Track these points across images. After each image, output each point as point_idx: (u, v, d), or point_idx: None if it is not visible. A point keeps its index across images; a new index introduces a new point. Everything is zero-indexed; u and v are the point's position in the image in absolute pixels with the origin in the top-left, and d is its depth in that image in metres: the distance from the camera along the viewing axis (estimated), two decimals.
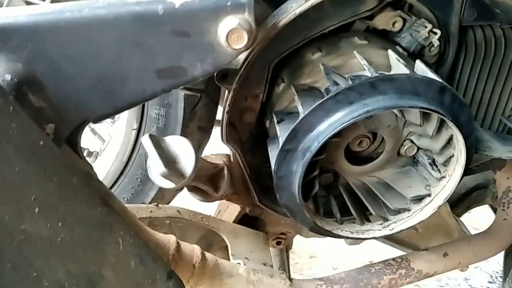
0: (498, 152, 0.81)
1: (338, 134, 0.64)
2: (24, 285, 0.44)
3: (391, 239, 1.03)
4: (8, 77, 0.52)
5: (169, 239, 0.64)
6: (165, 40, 0.54)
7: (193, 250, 0.67)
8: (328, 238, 1.05)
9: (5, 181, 0.43)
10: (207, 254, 0.69)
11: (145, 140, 0.57)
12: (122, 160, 0.97)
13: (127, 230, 0.52)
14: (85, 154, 1.12)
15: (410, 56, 0.77)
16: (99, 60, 0.55)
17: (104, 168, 0.99)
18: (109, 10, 0.52)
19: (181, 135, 0.88)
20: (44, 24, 0.52)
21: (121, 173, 0.98)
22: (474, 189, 1.19)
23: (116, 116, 0.97)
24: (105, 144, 1.03)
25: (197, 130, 0.90)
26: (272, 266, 0.80)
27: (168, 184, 0.57)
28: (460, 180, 0.72)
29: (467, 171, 0.93)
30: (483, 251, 0.92)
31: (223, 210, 0.91)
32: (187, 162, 0.58)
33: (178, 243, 0.64)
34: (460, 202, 1.19)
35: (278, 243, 0.95)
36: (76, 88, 0.55)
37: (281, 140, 0.65)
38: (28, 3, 1.09)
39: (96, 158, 1.09)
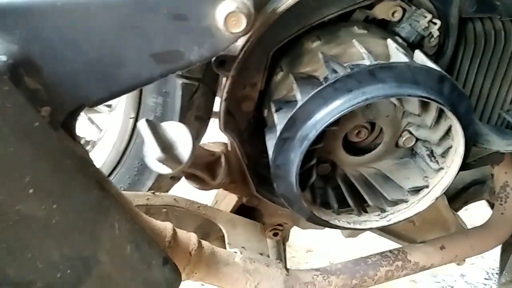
0: (497, 145, 0.81)
1: (336, 123, 0.64)
2: (19, 266, 0.43)
3: (389, 232, 1.03)
4: (3, 57, 0.51)
5: (166, 226, 0.64)
6: (162, 24, 0.53)
7: (189, 237, 0.66)
8: (325, 232, 1.04)
9: (0, 161, 0.42)
10: (204, 242, 0.68)
11: (142, 124, 0.56)
12: (119, 149, 0.96)
13: (123, 215, 0.52)
14: (82, 143, 1.11)
15: (410, 47, 0.77)
16: (96, 43, 0.54)
17: (101, 157, 0.99)
18: None
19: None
20: (41, 4, 0.51)
21: (118, 162, 0.97)
22: (472, 184, 1.19)
23: (113, 105, 0.97)
24: (102, 133, 1.02)
25: (194, 119, 0.89)
26: (268, 256, 0.79)
27: (165, 170, 0.57)
28: (458, 172, 0.72)
29: (465, 166, 0.93)
30: (480, 245, 0.92)
31: (220, 200, 0.91)
32: (183, 147, 0.57)
33: (174, 230, 0.64)
34: (457, 197, 1.19)
35: (275, 234, 0.95)
36: (72, 71, 0.55)
37: (279, 128, 0.64)
38: None
39: (93, 147, 1.08)
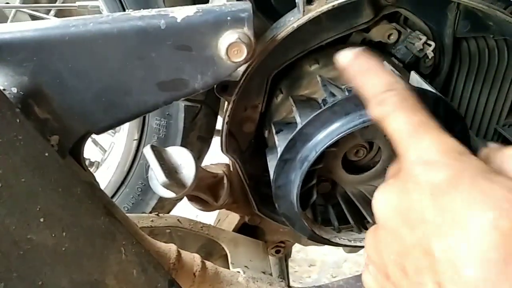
0: None
1: (335, 144, 0.66)
2: None
3: None
4: (14, 90, 0.54)
5: (170, 248, 0.65)
6: (167, 54, 0.55)
7: (193, 258, 0.68)
8: (327, 246, 1.06)
9: (12, 191, 0.44)
10: (207, 263, 0.70)
11: (147, 150, 0.58)
12: (123, 170, 0.98)
13: (129, 239, 0.54)
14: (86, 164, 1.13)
15: (406, 67, 0.79)
16: (103, 73, 0.56)
17: (105, 178, 1.00)
18: (113, 25, 0.54)
19: (181, 145, 0.90)
20: (50, 39, 0.54)
21: (122, 183, 0.99)
22: None
23: (117, 127, 0.99)
24: (106, 154, 1.04)
25: (197, 140, 0.91)
26: (271, 275, 0.81)
27: (169, 194, 0.59)
28: None
29: None
30: None
31: (222, 219, 0.92)
32: (187, 172, 0.59)
33: (178, 252, 0.65)
34: None
35: (277, 252, 0.96)
36: (80, 100, 0.57)
37: (280, 150, 0.66)
38: (33, 17, 1.11)
39: (97, 168, 1.10)
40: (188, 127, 0.89)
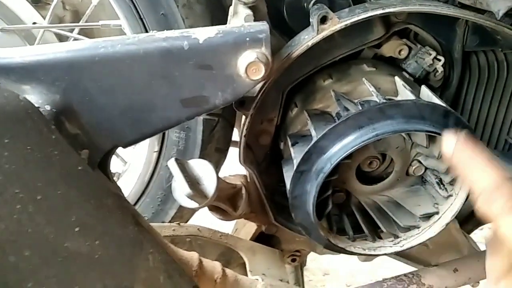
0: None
1: (349, 156, 0.68)
2: None
3: (403, 256, 1.05)
4: (48, 107, 0.57)
5: (192, 256, 0.68)
6: (189, 73, 0.59)
7: (214, 266, 0.70)
8: (341, 255, 1.07)
9: (50, 203, 0.48)
10: (227, 270, 0.72)
11: (171, 163, 0.61)
12: (143, 181, 1.02)
13: (155, 247, 0.57)
14: None
15: (416, 81, 0.82)
16: (129, 91, 0.60)
17: (126, 188, 1.04)
18: (139, 46, 0.58)
19: (199, 156, 0.93)
20: (80, 59, 0.57)
21: (143, 193, 1.02)
22: None
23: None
24: (127, 165, 1.08)
25: (214, 151, 0.94)
26: (288, 282, 0.83)
27: (192, 204, 0.62)
28: (467, 198, 0.75)
29: None
30: None
31: (240, 229, 0.95)
32: (209, 183, 0.62)
33: (200, 260, 0.68)
34: (469, 219, 1.21)
35: (293, 260, 0.99)
36: (108, 116, 0.61)
37: (296, 161, 0.69)
38: (58, 36, 1.16)
39: (118, 179, 1.14)
40: (206, 140, 0.92)
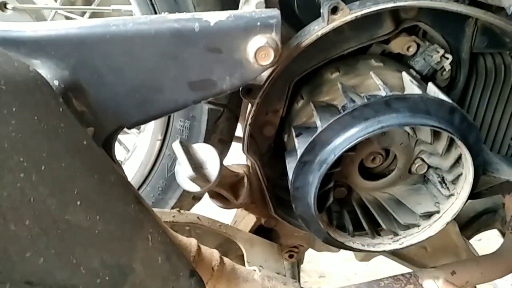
0: (506, 175, 0.84)
1: (353, 149, 0.69)
2: (65, 270, 0.48)
3: (401, 257, 1.05)
4: (56, 82, 0.57)
5: (191, 242, 0.68)
6: (199, 55, 0.59)
7: (212, 254, 0.70)
8: (338, 259, 1.06)
9: (54, 174, 0.48)
10: (225, 259, 0.72)
11: (176, 145, 0.61)
12: (145, 169, 1.02)
13: (155, 228, 0.57)
14: None
15: (423, 79, 0.82)
16: (138, 70, 0.60)
17: (128, 176, 1.04)
18: (150, 26, 0.58)
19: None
20: (91, 36, 0.57)
21: (144, 181, 1.02)
22: (483, 212, 1.21)
23: (142, 127, 1.02)
24: (130, 153, 1.08)
25: (218, 142, 0.94)
26: (285, 276, 0.83)
27: (194, 188, 0.62)
28: (468, 199, 0.75)
29: (476, 195, 0.96)
30: (491, 272, 0.94)
31: (239, 221, 0.95)
32: (212, 167, 0.62)
33: (199, 246, 0.68)
34: (469, 225, 1.21)
35: (291, 256, 0.98)
36: (115, 95, 0.61)
37: (299, 152, 0.69)
38: (68, 19, 1.16)
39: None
40: (210, 130, 0.92)
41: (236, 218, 0.96)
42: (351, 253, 1.05)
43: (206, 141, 0.92)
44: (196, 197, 1.06)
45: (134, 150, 1.04)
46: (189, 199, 1.04)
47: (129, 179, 1.04)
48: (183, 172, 0.60)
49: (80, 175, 0.50)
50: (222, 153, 0.98)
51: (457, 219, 1.10)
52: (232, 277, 0.72)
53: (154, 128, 0.96)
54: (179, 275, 0.59)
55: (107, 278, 0.51)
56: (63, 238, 0.48)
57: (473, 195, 0.95)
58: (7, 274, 0.43)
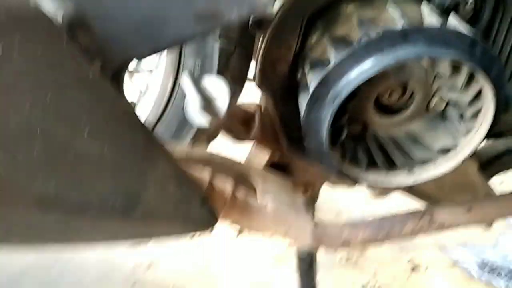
0: None
1: (368, 83, 0.66)
2: (78, 191, 0.49)
3: (418, 195, 1.04)
4: (60, 15, 0.57)
5: (204, 174, 0.69)
6: None
7: (225, 185, 0.71)
8: (355, 199, 1.05)
9: (61, 103, 0.48)
10: (238, 191, 0.73)
11: (185, 79, 0.61)
12: (158, 109, 1.02)
13: (165, 157, 0.57)
14: None
15: (445, 13, 0.77)
16: (143, 3, 0.58)
17: (141, 117, 1.04)
18: None
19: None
20: None
21: (157, 122, 1.03)
22: (505, 153, 1.18)
23: (154, 66, 1.02)
24: (142, 94, 1.08)
25: (230, 81, 0.93)
26: None
27: (204, 122, 0.61)
28: (489, 137, 0.73)
29: (498, 134, 0.94)
30: (508, 210, 0.93)
31: (253, 158, 0.95)
32: (221, 102, 0.62)
33: (211, 178, 0.69)
34: (489, 165, 1.19)
35: (305, 192, 0.99)
36: (121, 28, 0.60)
37: (313, 85, 0.67)
38: None
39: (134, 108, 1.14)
40: (222, 68, 0.90)
41: (249, 156, 0.96)
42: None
43: None
44: (211, 137, 1.07)
45: (147, 90, 1.04)
46: (203, 139, 1.04)
47: (143, 120, 1.05)
48: (192, 106, 0.60)
49: (87, 104, 0.51)
50: (235, 93, 0.97)
51: (477, 158, 1.09)
52: (245, 209, 0.73)
53: (166, 68, 0.96)
54: (190, 203, 0.60)
55: (118, 202, 0.53)
56: (72, 166, 0.49)
57: (495, 134, 0.93)
58: (19, 197, 0.44)
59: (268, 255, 1.62)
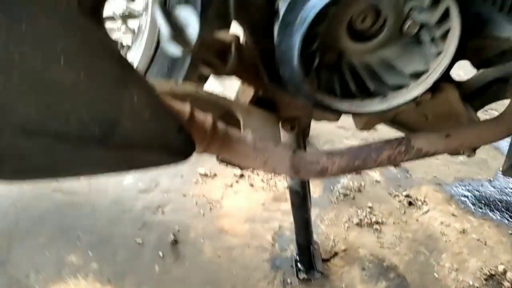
0: (508, 32, 0.81)
1: (338, 5, 0.68)
2: (57, 120, 0.54)
3: (402, 125, 1.07)
4: None
5: (185, 107, 0.72)
6: None
7: (206, 117, 0.75)
8: (349, 132, 1.06)
9: (35, 33, 0.51)
10: (219, 123, 0.77)
11: (156, 10, 0.63)
12: (150, 50, 1.05)
13: (141, 85, 0.61)
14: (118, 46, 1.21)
15: None
16: None
17: (134, 60, 1.08)
18: None
19: (200, 21, 0.94)
20: None
21: (150, 62, 1.06)
22: (494, 82, 1.19)
23: (144, 8, 1.03)
24: (135, 36, 1.10)
25: (215, 16, 0.95)
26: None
27: (177, 50, 0.65)
28: (455, 57, 0.75)
29: (486, 63, 0.95)
30: (488, 134, 0.95)
31: (240, 94, 0.98)
32: (192, 30, 0.65)
33: (192, 109, 0.72)
34: (478, 95, 1.20)
35: (292, 128, 1.02)
36: None
37: (281, 12, 0.69)
38: None
39: (128, 51, 1.17)
40: (205, 4, 0.92)
41: (237, 93, 1.00)
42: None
43: (203, 14, 0.93)
44: (202, 77, 1.10)
45: (139, 32, 1.07)
46: (194, 78, 1.08)
47: (137, 61, 1.08)
48: (164, 36, 0.63)
49: (61, 34, 0.54)
50: (221, 28, 0.99)
51: (465, 88, 1.10)
52: (225, 140, 0.77)
53: (153, 7, 0.98)
54: (166, 131, 0.64)
55: (95, 130, 0.57)
56: (50, 93, 0.53)
57: (484, 63, 0.94)
58: (3, 124, 0.49)
59: (267, 195, 1.68)
